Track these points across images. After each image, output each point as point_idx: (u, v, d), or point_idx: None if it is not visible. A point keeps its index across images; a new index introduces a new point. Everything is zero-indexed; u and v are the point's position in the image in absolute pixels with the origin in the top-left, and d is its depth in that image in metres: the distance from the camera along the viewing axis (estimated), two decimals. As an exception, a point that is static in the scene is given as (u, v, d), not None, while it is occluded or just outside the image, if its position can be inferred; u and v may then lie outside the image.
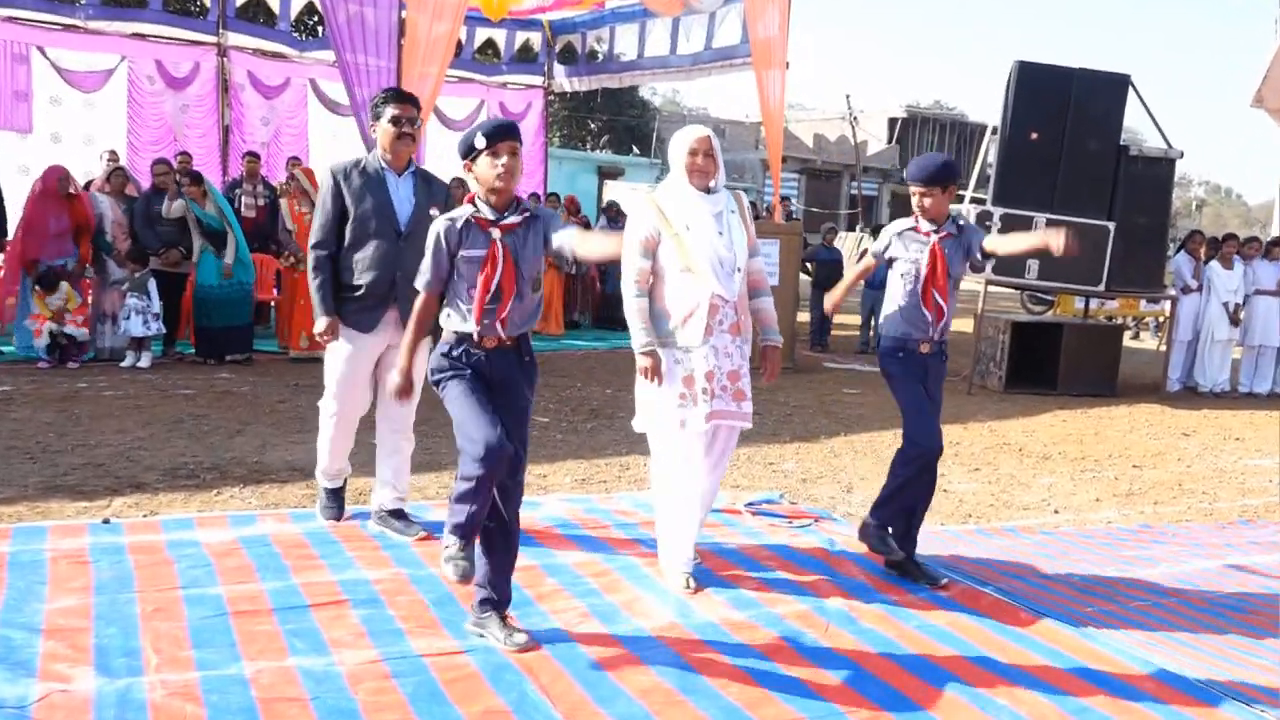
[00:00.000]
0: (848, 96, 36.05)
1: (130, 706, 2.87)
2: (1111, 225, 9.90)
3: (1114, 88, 10.06)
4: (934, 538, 4.89)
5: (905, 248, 4.30)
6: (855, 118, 37.09)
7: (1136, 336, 17.56)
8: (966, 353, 10.35)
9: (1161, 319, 15.14)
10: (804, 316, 12.85)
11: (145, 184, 10.01)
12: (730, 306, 3.98)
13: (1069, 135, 9.86)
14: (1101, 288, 10.11)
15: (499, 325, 3.38)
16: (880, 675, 3.36)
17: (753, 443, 6.86)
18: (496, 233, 3.38)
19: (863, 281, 13.20)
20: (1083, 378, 10.10)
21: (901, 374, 4.30)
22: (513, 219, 3.42)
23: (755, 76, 11.34)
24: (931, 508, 4.52)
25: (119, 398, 7.38)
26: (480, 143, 3.35)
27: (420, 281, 3.46)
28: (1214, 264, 10.82)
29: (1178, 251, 11.35)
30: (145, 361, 8.70)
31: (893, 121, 48.91)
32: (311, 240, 4.34)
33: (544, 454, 6.28)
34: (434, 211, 4.19)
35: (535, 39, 15.72)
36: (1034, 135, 9.77)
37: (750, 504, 5.28)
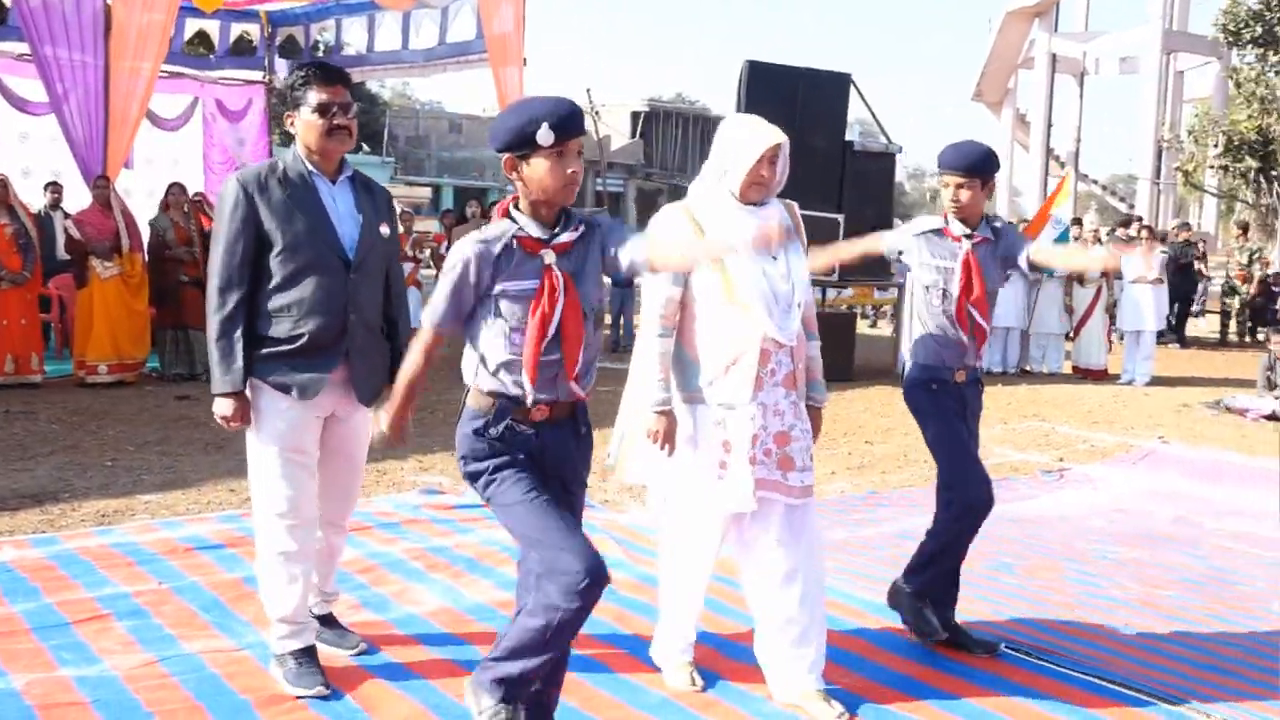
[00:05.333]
0: (588, 90, 37.01)
1: (-105, 728, 3.02)
2: (841, 217, 11.06)
3: (837, 86, 11.26)
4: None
5: (929, 253, 3.86)
6: (598, 112, 38.23)
7: (874, 325, 19.29)
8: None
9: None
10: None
11: None
12: (786, 353, 3.37)
13: (799, 132, 10.84)
14: (835, 277, 11.26)
15: (570, 384, 2.73)
16: (645, 637, 3.91)
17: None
18: (550, 256, 2.69)
19: (608, 279, 13.95)
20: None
21: (935, 410, 3.87)
22: (567, 236, 2.73)
23: (493, 74, 11.85)
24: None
25: None
26: (546, 137, 2.60)
27: (430, 315, 2.73)
28: (934, 252, 12.25)
29: (902, 241, 12.76)
30: None
31: (635, 115, 50.68)
32: (216, 280, 3.33)
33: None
34: (384, 229, 3.52)
35: (253, 31, 15.54)
36: (765, 132, 10.75)
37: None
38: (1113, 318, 12.81)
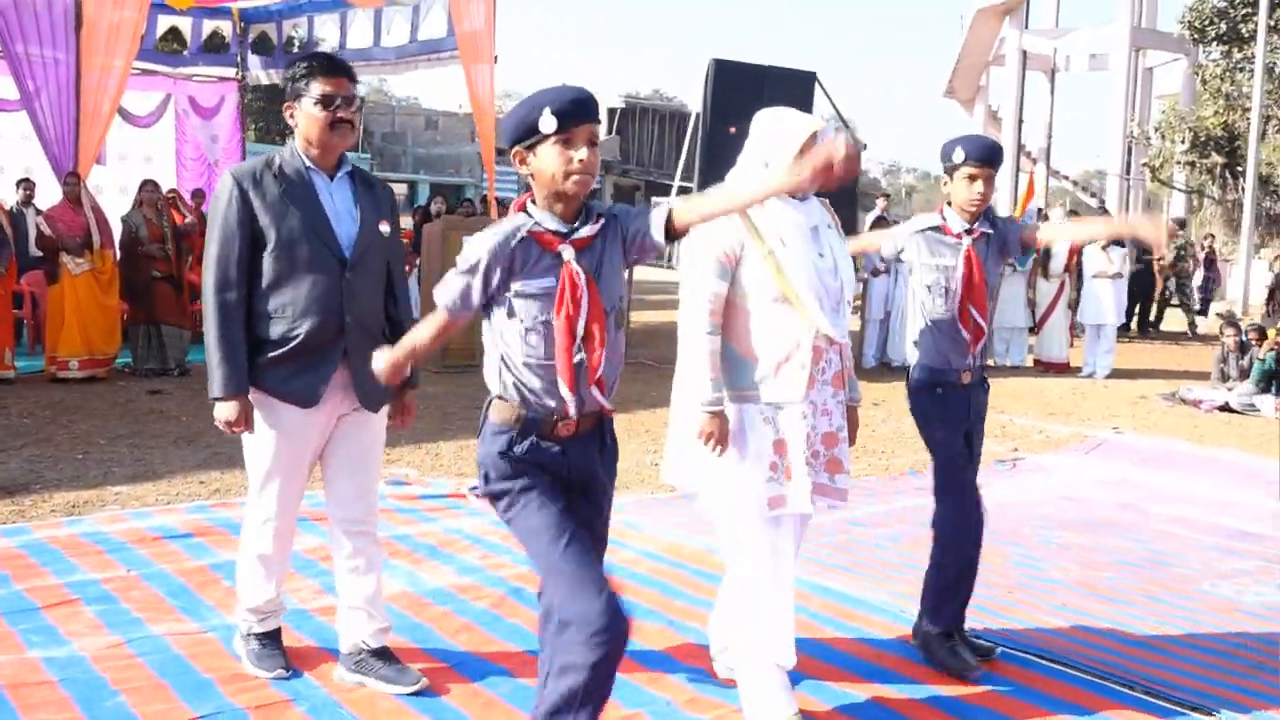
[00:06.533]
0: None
1: None
2: (807, 213, 11.25)
3: (802, 83, 11.45)
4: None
5: (929, 252, 3.78)
6: (573, 108, 38.23)
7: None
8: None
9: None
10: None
11: None
12: (835, 351, 3.28)
13: (765, 129, 11.12)
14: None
15: (593, 390, 2.58)
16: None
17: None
18: (568, 252, 2.55)
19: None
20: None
21: (941, 418, 3.79)
22: (586, 230, 2.58)
23: (464, 71, 11.97)
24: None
25: None
26: (548, 124, 2.47)
27: (443, 296, 2.59)
28: (900, 247, 12.47)
29: (868, 236, 12.95)
30: None
31: (612, 112, 50.77)
32: (212, 279, 3.21)
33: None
34: (384, 227, 3.38)
35: (225, 27, 15.60)
36: (732, 130, 10.93)
37: (474, 488, 5.91)
38: (1075, 312, 13.07)
